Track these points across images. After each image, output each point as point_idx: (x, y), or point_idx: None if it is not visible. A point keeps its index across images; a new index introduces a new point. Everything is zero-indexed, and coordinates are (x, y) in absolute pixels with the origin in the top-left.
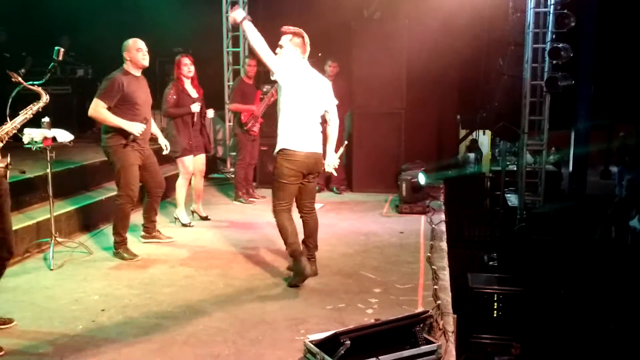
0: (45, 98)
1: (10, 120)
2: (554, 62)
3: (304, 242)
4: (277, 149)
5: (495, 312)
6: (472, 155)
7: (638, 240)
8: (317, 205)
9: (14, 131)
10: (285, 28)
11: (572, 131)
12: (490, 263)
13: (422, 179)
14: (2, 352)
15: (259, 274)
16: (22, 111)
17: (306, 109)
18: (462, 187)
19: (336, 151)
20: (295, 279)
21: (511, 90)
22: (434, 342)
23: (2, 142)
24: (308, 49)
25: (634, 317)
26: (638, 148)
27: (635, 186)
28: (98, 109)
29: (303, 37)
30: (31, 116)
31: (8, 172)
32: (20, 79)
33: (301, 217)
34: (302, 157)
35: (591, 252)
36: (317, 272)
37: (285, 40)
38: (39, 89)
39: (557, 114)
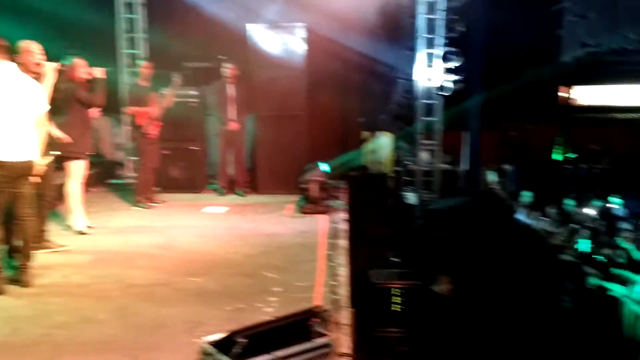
0: None
1: None
2: (446, 66)
3: (19, 249)
4: None
5: (396, 305)
6: None
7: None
8: (222, 209)
9: None
10: None
11: (465, 132)
12: (394, 260)
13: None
14: None
15: (158, 279)
16: None
17: (8, 117)
18: (366, 187)
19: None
20: None
21: (406, 92)
22: (327, 336)
23: None
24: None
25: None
26: (526, 146)
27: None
28: None
29: None
30: None
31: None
32: None
33: (18, 224)
34: (10, 165)
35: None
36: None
37: None
38: None
39: (450, 115)
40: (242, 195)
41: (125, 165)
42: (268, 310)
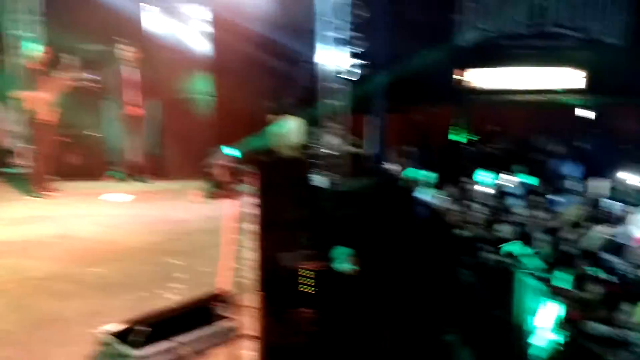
0: None
1: None
2: (351, 50)
3: None
4: None
5: (306, 287)
6: None
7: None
8: (125, 197)
9: None
10: None
11: (370, 115)
12: (305, 242)
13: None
14: None
15: (56, 270)
16: None
17: None
18: (276, 171)
19: None
20: None
21: (312, 76)
22: (230, 319)
23: None
24: None
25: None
26: (429, 129)
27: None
28: None
29: None
30: None
31: None
32: None
33: None
34: None
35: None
36: None
37: None
38: None
39: (355, 98)
40: (145, 182)
41: (18, 153)
42: (172, 298)
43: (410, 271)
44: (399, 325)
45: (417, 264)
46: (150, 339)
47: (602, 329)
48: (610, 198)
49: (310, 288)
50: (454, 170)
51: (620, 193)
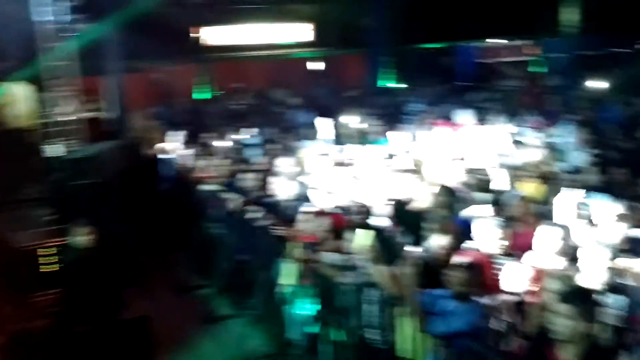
0: None
1: None
2: (71, 2)
3: None
4: None
5: (47, 267)
6: None
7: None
8: None
9: None
10: None
11: (107, 75)
12: (42, 218)
13: None
14: None
15: None
16: None
17: None
18: (4, 144)
19: None
20: None
21: (30, 35)
22: None
23: None
24: None
25: None
26: (173, 87)
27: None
28: None
29: None
30: None
31: None
32: None
33: None
34: None
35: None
36: None
37: None
38: None
39: (86, 58)
40: None
41: None
42: None
43: (155, 231)
44: (150, 286)
45: (163, 222)
46: None
47: (332, 257)
48: (336, 138)
49: (52, 267)
50: (198, 128)
51: (346, 134)
